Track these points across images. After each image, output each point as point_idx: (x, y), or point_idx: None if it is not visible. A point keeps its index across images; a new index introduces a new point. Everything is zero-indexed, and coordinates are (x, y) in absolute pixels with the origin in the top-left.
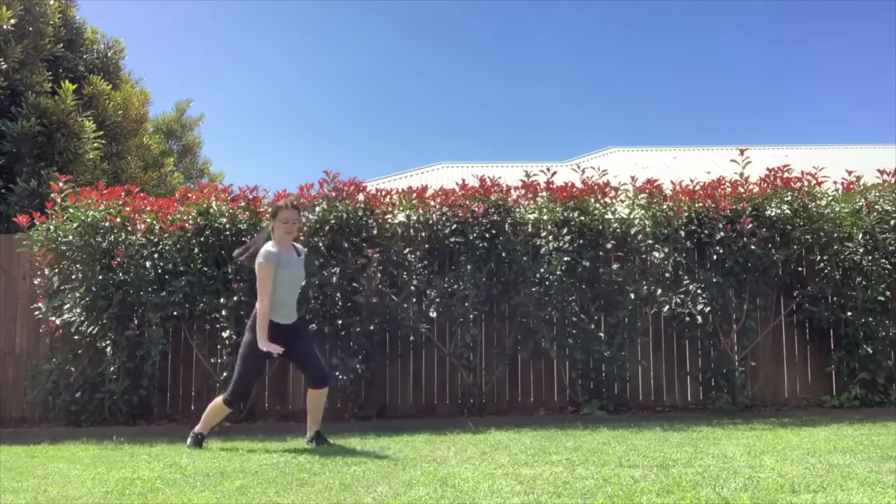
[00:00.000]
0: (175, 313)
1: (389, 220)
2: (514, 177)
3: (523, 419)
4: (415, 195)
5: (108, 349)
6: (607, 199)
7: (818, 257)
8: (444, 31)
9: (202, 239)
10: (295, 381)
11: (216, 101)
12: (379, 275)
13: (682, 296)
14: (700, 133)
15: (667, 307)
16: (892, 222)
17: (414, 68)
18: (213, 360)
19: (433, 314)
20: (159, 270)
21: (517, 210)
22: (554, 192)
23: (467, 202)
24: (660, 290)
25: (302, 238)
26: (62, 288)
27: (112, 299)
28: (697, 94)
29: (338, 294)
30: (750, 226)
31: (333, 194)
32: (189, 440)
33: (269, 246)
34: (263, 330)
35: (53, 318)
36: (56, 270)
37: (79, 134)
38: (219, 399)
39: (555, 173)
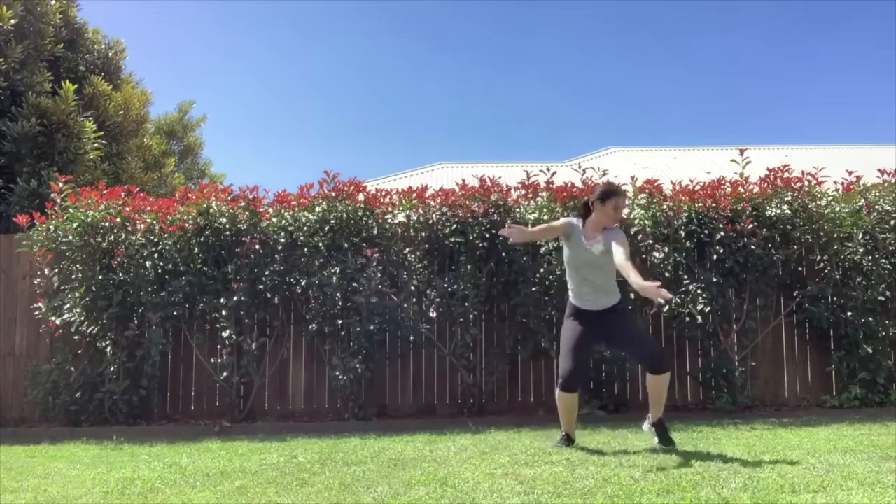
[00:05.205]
0: (175, 313)
1: (389, 220)
2: (514, 177)
3: (523, 419)
4: (415, 195)
5: (108, 349)
6: None
7: (818, 257)
8: (443, 31)
9: (202, 239)
10: (295, 381)
11: (217, 101)
12: (379, 275)
13: (682, 296)
14: (700, 133)
15: (667, 307)
16: (893, 222)
17: (414, 68)
18: (213, 360)
19: (433, 314)
20: (159, 270)
21: (517, 210)
22: (554, 192)
23: (467, 202)
24: None
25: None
26: (62, 288)
27: (112, 299)
28: (697, 94)
29: (338, 294)
30: (750, 226)
31: (333, 194)
32: (559, 441)
33: (575, 216)
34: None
35: (53, 318)
36: (56, 270)
37: (79, 134)
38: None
39: (555, 173)
